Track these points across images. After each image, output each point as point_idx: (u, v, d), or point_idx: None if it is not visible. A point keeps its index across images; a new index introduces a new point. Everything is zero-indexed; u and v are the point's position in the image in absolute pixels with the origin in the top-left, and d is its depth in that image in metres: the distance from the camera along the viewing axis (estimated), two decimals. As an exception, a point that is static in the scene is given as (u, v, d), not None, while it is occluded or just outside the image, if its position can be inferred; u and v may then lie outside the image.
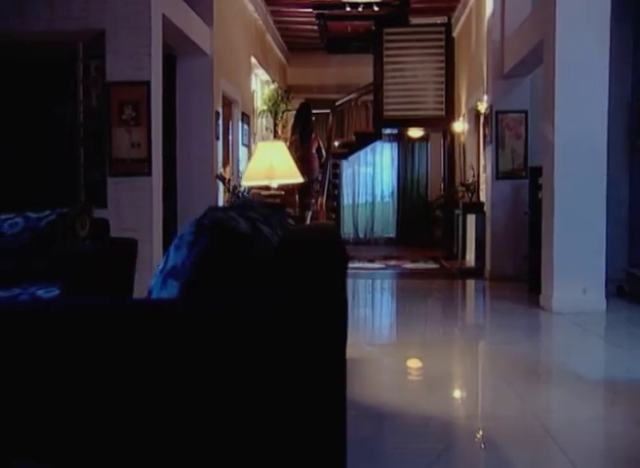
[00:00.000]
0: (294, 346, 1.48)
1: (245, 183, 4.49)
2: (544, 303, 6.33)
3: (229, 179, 9.10)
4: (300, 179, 4.29)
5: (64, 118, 6.71)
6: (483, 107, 9.06)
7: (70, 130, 6.63)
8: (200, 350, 1.49)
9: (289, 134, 11.76)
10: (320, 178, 10.98)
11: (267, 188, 4.41)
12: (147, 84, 6.37)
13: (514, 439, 3.00)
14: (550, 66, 6.23)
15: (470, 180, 9.82)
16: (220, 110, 8.91)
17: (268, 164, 3.97)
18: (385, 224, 15.05)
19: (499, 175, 8.56)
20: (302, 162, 11.75)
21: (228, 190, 8.97)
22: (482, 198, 9.38)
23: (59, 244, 4.06)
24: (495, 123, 8.53)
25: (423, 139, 14.54)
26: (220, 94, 8.91)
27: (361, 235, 14.97)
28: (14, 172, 6.90)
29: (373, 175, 15.11)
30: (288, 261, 1.67)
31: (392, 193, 15.01)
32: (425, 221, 14.28)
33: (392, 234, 14.93)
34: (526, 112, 8.47)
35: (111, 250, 4.06)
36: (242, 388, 1.48)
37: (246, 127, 10.63)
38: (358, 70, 13.38)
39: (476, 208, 9.26)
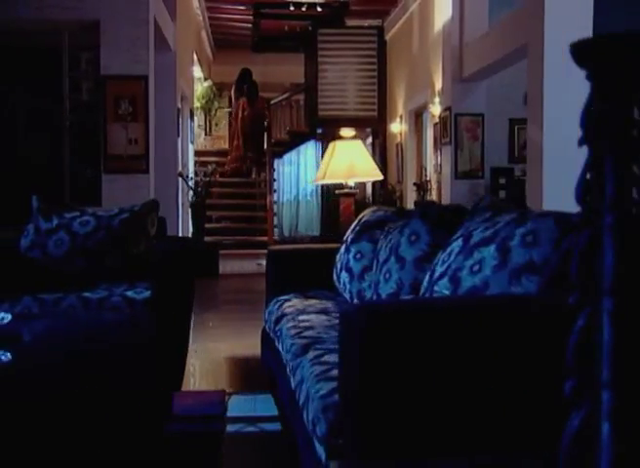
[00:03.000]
0: None
1: (321, 182, 4.49)
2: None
3: (191, 177, 8.95)
4: (380, 177, 4.34)
5: (52, 112, 6.37)
6: (437, 110, 9.37)
7: (57, 124, 6.33)
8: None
9: (232, 94, 11.64)
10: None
11: (341, 187, 4.42)
12: (145, 78, 6.18)
13: None
14: (537, 68, 6.53)
15: (419, 181, 10.13)
16: (180, 107, 8.75)
17: (349, 162, 3.99)
18: (309, 223, 15.16)
19: (457, 175, 8.89)
20: (253, 120, 11.71)
21: (191, 189, 8.83)
22: (433, 197, 9.70)
23: (133, 243, 3.93)
24: (454, 125, 8.85)
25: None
26: (180, 90, 8.74)
27: (286, 233, 15.00)
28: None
29: (297, 173, 15.19)
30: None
31: (316, 192, 15.15)
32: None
33: (316, 232, 15.06)
34: (482, 115, 8.84)
35: (191, 249, 3.97)
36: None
37: (193, 124, 10.46)
38: (284, 69, 13.43)
39: (429, 206, 9.54)
